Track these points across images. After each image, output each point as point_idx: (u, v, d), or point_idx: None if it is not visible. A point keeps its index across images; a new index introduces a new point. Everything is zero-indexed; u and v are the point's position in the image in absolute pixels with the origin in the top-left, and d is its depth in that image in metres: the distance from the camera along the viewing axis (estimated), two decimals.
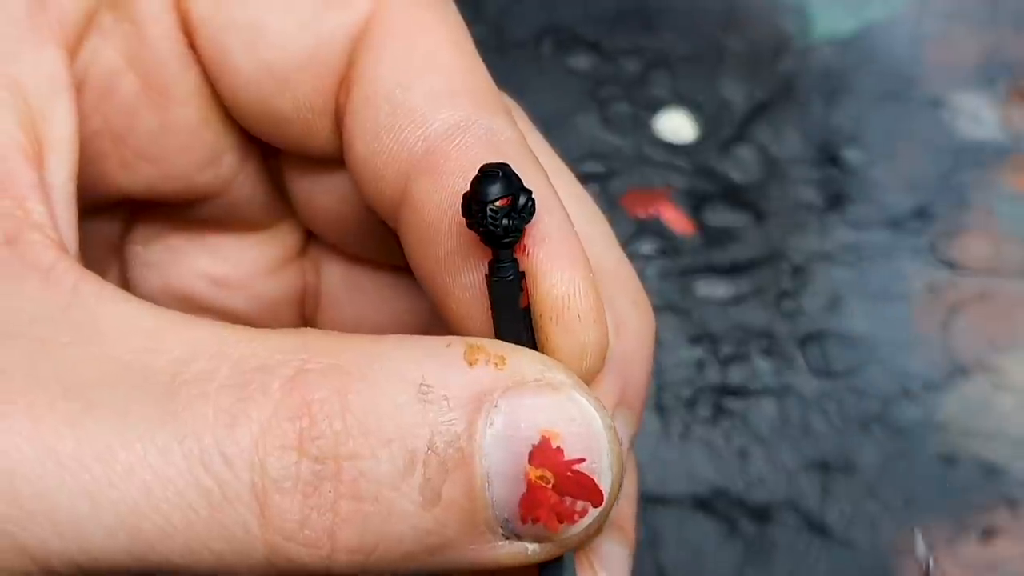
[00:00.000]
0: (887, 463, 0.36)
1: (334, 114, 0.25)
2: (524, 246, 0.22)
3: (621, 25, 0.43)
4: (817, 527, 0.35)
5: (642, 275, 0.39)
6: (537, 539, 0.21)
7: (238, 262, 0.30)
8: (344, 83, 0.25)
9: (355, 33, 0.25)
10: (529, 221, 0.21)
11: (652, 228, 0.40)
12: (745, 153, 0.41)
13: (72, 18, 0.24)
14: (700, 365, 0.38)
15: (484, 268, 0.22)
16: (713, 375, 0.37)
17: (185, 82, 0.26)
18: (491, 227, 0.20)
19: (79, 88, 0.25)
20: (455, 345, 0.20)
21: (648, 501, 0.36)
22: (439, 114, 0.23)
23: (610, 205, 0.40)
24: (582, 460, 0.20)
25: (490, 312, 0.22)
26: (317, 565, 0.20)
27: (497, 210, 0.20)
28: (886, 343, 0.38)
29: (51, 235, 0.21)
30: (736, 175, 0.41)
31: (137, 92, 0.26)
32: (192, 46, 0.26)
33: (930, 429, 0.36)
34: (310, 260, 0.30)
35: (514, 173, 0.21)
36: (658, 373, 0.37)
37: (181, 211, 0.29)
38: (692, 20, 0.44)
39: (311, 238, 0.31)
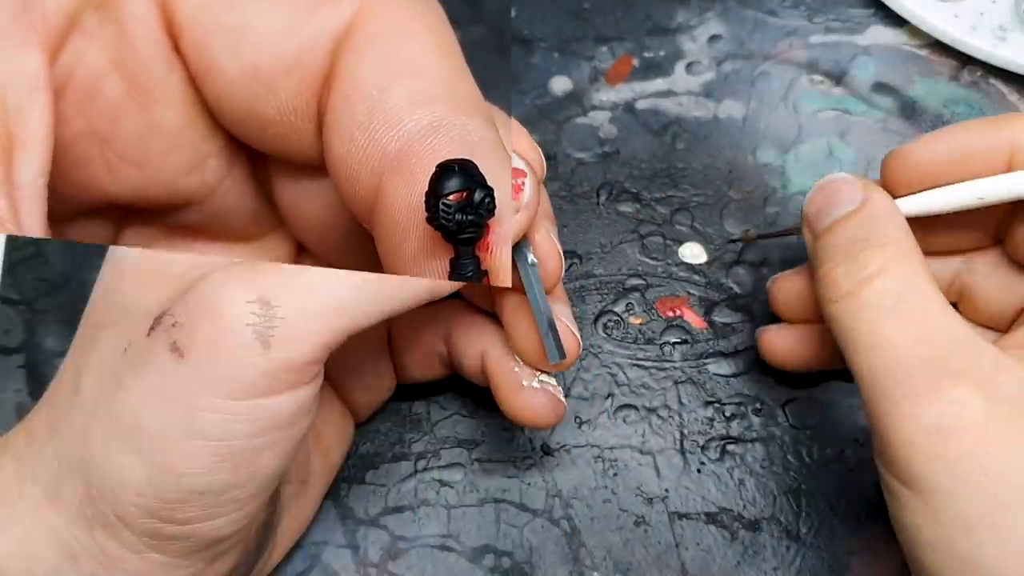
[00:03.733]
0: (842, 490, 0.37)
1: (316, 117, 0.23)
2: (488, 244, 0.19)
3: (655, 181, 0.44)
4: (793, 535, 0.36)
5: (669, 358, 0.40)
6: (515, 210, 0.21)
7: None
8: (326, 84, 0.22)
9: (338, 35, 0.22)
10: (487, 217, 0.18)
11: (677, 325, 0.41)
12: (742, 272, 0.42)
13: (54, 19, 0.21)
14: (711, 421, 0.39)
15: (447, 267, 0.19)
16: (720, 428, 0.38)
17: (169, 84, 0.23)
18: (443, 221, 0.18)
19: (63, 88, 0.22)
20: None
21: (674, 516, 0.37)
22: (414, 115, 0.20)
23: (647, 308, 0.40)
24: (524, 175, 0.22)
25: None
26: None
27: (450, 204, 0.18)
28: (844, 406, 0.38)
29: (9, 228, 0.19)
30: (736, 287, 0.42)
31: (121, 94, 0.23)
32: (176, 48, 0.23)
33: (871, 467, 0.33)
34: None
35: (474, 169, 0.18)
36: (681, 426, 0.38)
37: (169, 217, 0.26)
38: (705, 177, 0.44)
39: (302, 251, 0.29)
